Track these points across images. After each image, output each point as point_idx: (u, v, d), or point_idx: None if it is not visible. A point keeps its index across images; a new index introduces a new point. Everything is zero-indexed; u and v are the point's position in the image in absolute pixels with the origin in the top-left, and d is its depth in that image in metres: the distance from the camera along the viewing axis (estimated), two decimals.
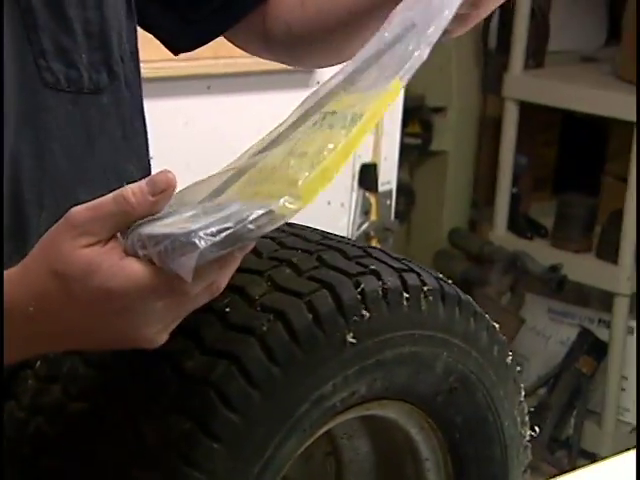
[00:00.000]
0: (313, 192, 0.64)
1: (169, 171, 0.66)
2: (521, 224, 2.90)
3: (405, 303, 0.79)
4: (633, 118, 2.62)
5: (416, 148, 2.90)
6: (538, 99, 2.82)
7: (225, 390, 0.72)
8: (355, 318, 0.76)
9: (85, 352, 0.77)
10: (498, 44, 2.97)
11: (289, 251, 0.80)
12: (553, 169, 3.15)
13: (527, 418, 0.88)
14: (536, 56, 2.90)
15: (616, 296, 2.68)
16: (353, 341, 0.76)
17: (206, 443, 0.72)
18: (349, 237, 1.92)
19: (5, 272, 0.69)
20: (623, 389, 2.77)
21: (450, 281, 0.84)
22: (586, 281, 2.75)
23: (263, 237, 0.83)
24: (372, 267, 0.79)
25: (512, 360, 0.86)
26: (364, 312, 0.76)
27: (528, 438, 0.88)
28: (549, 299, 2.85)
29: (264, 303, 0.76)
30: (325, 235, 0.85)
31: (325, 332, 0.75)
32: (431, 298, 0.80)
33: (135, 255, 0.65)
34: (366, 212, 1.91)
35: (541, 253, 2.78)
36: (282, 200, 0.64)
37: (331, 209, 1.88)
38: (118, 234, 0.66)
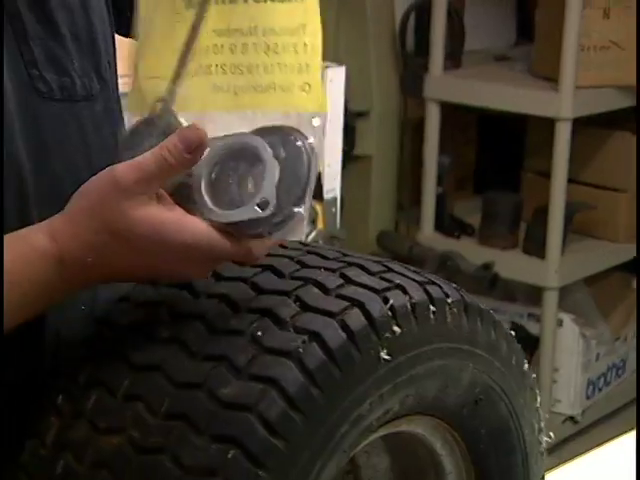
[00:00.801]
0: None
1: (198, 127, 0.71)
2: (448, 224, 2.93)
3: (432, 316, 0.79)
4: (549, 114, 2.68)
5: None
6: (459, 99, 2.86)
7: (266, 415, 0.71)
8: (387, 334, 0.76)
9: (110, 383, 0.75)
10: (416, 46, 3.00)
11: (312, 270, 0.80)
12: (473, 167, 3.20)
13: (543, 424, 0.89)
14: (454, 57, 2.94)
15: (545, 290, 2.74)
16: (387, 358, 0.75)
17: (251, 471, 0.70)
18: None
19: (43, 223, 0.73)
20: (555, 381, 2.83)
21: None
22: (515, 277, 2.80)
23: (281, 256, 0.83)
24: (397, 282, 0.79)
25: (528, 367, 0.87)
26: (395, 328, 0.76)
27: (544, 445, 0.89)
28: (479, 296, 2.89)
29: (296, 324, 0.75)
30: (341, 252, 0.84)
31: (360, 350, 0.74)
32: (455, 310, 0.80)
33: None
34: (313, 221, 1.91)
35: (469, 251, 2.82)
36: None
37: None
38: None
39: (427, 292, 0.79)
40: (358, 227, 2.99)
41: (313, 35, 0.73)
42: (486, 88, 2.82)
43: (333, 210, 1.94)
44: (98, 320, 0.80)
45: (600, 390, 2.92)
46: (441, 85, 2.86)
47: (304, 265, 0.80)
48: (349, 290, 0.77)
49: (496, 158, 3.17)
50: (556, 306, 2.75)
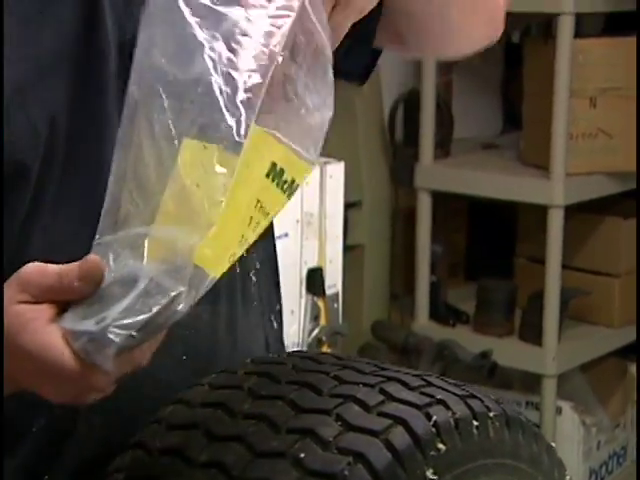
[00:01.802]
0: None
1: (94, 257, 0.67)
2: (442, 312, 2.92)
3: (475, 432, 0.77)
4: (541, 201, 2.70)
5: None
6: (449, 188, 2.88)
7: None
8: (432, 452, 0.74)
9: None
10: (405, 137, 3.03)
11: (350, 386, 0.78)
12: (465, 254, 3.21)
13: None
14: (443, 146, 2.97)
15: (543, 377, 2.72)
16: (433, 477, 0.73)
17: None
18: (301, 344, 1.89)
19: None
20: None
21: None
22: (512, 364, 2.78)
23: (316, 372, 0.81)
24: (438, 397, 0.77)
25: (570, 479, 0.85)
26: (440, 445, 0.74)
27: None
28: (476, 385, 2.87)
29: (340, 444, 0.73)
30: (378, 365, 0.82)
31: (406, 470, 0.72)
32: (497, 424, 0.79)
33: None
34: (315, 317, 1.89)
35: (465, 339, 2.80)
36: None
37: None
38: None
39: (469, 406, 0.77)
40: (352, 317, 2.97)
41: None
42: (476, 176, 2.84)
43: (335, 306, 1.93)
44: (132, 444, 0.78)
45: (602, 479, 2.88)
46: (431, 174, 2.88)
47: (342, 381, 0.79)
48: (391, 407, 0.75)
49: (487, 244, 3.17)
50: (555, 394, 2.72)
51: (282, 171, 0.70)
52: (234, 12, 0.71)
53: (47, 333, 0.67)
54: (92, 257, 0.67)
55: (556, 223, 2.65)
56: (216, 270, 0.67)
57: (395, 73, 3.04)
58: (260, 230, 0.70)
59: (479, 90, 3.22)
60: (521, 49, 3.01)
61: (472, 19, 0.94)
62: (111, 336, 0.64)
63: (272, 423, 0.75)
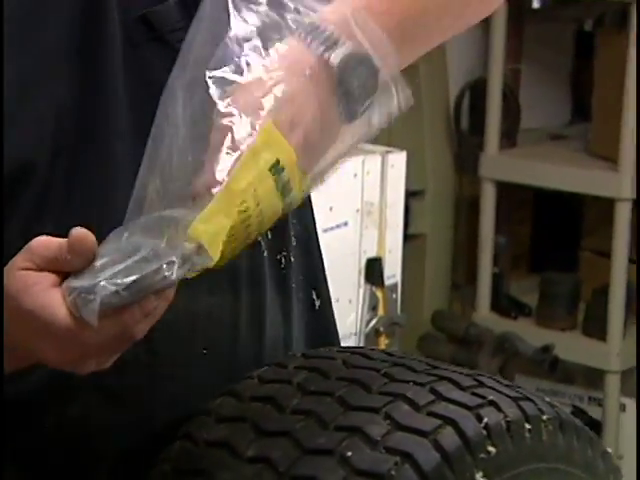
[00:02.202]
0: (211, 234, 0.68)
1: (82, 229, 0.70)
2: (504, 304, 2.89)
3: (527, 435, 0.75)
4: (609, 194, 2.65)
5: None
6: (514, 178, 2.84)
7: None
8: (482, 455, 0.72)
9: None
10: (470, 125, 2.99)
11: (400, 384, 0.77)
12: (529, 246, 3.17)
13: None
14: (509, 136, 2.93)
15: (606, 373, 2.68)
16: None
17: None
18: (358, 334, 1.88)
19: None
20: None
21: None
22: (574, 359, 2.74)
23: (366, 368, 0.80)
24: (490, 398, 0.76)
25: None
26: (490, 448, 0.73)
27: None
28: (538, 379, 2.84)
29: (387, 444, 0.72)
30: (429, 363, 0.81)
31: (454, 472, 0.71)
32: (550, 427, 0.77)
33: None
34: (373, 307, 1.88)
35: (527, 332, 2.77)
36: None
37: (339, 306, 1.83)
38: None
39: (521, 409, 0.76)
40: (412, 306, 2.96)
41: None
42: (543, 167, 2.80)
43: (394, 296, 1.91)
44: (180, 435, 0.78)
45: None
46: (496, 164, 2.84)
47: (392, 379, 0.78)
48: (440, 407, 0.74)
49: (552, 236, 3.13)
50: (618, 390, 2.68)
51: (282, 169, 0.71)
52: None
53: (47, 295, 0.70)
54: (79, 230, 0.70)
55: (623, 216, 2.60)
56: (211, 246, 0.69)
57: (462, 61, 3.00)
58: (247, 218, 0.70)
59: (548, 79, 3.17)
60: (593, 38, 2.95)
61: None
62: (97, 290, 0.68)
63: (320, 420, 0.74)
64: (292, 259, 0.92)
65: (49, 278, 0.71)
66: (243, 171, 0.70)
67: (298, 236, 0.94)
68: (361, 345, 1.81)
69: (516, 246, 3.11)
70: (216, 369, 0.83)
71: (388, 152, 1.89)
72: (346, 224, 1.80)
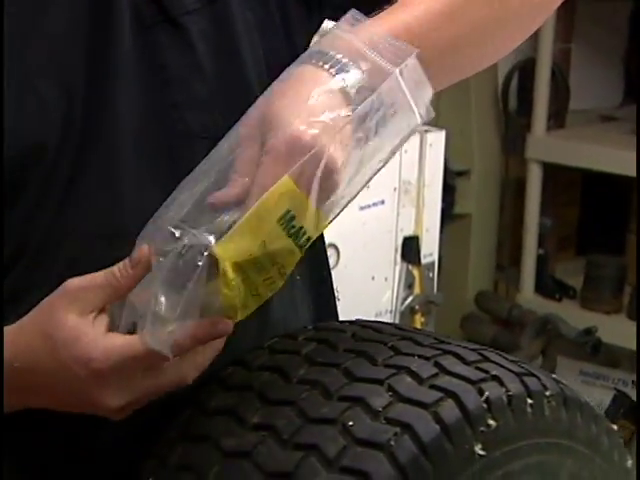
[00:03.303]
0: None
1: (144, 245, 0.73)
2: (549, 286, 2.88)
3: (529, 410, 0.76)
4: None
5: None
6: (561, 160, 2.81)
7: None
8: (482, 428, 0.73)
9: (199, 468, 0.75)
10: (518, 106, 2.97)
11: (405, 357, 0.78)
12: (576, 229, 3.14)
13: None
14: (557, 117, 2.90)
15: None
16: (482, 452, 0.73)
17: None
18: (393, 311, 1.90)
19: (5, 328, 0.75)
20: None
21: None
22: (618, 342, 2.72)
23: (374, 341, 0.81)
24: (493, 373, 0.77)
25: (632, 464, 0.83)
26: (491, 421, 0.74)
27: None
28: (581, 362, 2.82)
29: (388, 415, 0.73)
30: (437, 338, 0.82)
31: (454, 444, 0.72)
32: (554, 403, 0.77)
33: (121, 329, 0.73)
34: (409, 285, 1.89)
35: (571, 315, 2.75)
36: None
37: (375, 284, 1.85)
38: (108, 306, 0.74)
39: (524, 384, 0.77)
40: (456, 286, 2.96)
41: None
42: (591, 149, 2.77)
43: (430, 275, 1.92)
44: (190, 402, 0.80)
45: None
46: (544, 145, 2.82)
47: (398, 352, 0.79)
48: (443, 380, 0.75)
49: (600, 219, 3.10)
50: None
51: (293, 217, 0.72)
52: None
53: (108, 337, 0.72)
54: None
55: None
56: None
57: None
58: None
59: (599, 60, 3.13)
60: None
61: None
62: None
63: (325, 390, 0.76)
64: None
65: (103, 323, 0.73)
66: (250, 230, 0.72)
67: None
68: (396, 322, 1.82)
69: (563, 228, 3.09)
70: (220, 357, 0.81)
71: (427, 131, 1.89)
72: (383, 202, 1.81)
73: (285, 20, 0.87)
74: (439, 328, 2.59)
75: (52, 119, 0.78)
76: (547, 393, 0.77)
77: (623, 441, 2.13)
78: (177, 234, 0.71)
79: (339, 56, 0.73)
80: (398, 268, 1.87)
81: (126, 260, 0.73)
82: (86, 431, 0.80)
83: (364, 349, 0.79)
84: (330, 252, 1.63)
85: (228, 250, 0.71)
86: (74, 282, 0.74)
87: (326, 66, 0.73)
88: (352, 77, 0.73)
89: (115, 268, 0.73)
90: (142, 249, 0.73)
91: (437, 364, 0.77)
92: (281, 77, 0.75)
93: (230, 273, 0.71)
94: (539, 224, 2.86)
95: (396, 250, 1.87)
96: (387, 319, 1.86)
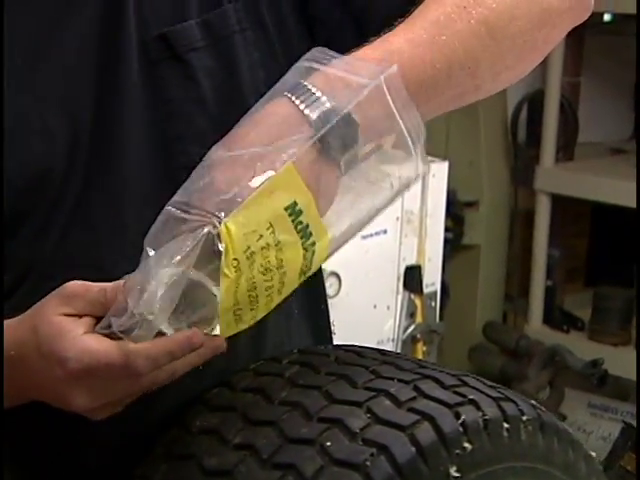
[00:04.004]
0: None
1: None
2: (557, 317, 2.88)
3: (505, 434, 0.77)
4: None
5: (447, 242, 2.90)
6: (569, 192, 2.83)
7: None
8: (457, 450, 0.75)
9: None
10: (527, 138, 2.99)
11: (385, 381, 0.80)
12: (585, 260, 3.15)
13: None
14: (566, 149, 2.92)
15: None
16: (457, 475, 0.74)
17: None
18: (395, 340, 1.91)
19: (7, 321, 0.78)
20: None
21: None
22: (626, 375, 2.72)
23: (356, 365, 0.83)
24: (470, 397, 0.78)
25: None
26: (466, 444, 0.75)
27: None
28: (589, 393, 2.82)
29: (365, 436, 0.75)
30: (418, 363, 0.84)
31: (429, 466, 0.74)
32: (530, 428, 0.79)
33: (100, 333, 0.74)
34: (411, 314, 1.90)
35: (578, 346, 2.75)
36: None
37: (377, 312, 1.87)
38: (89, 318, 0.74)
39: (501, 408, 0.78)
40: (464, 317, 2.97)
41: None
42: (599, 181, 2.78)
43: (432, 304, 1.93)
44: (176, 422, 0.82)
45: None
46: (552, 177, 2.84)
47: (378, 375, 0.80)
48: (421, 403, 0.77)
49: (609, 251, 3.11)
50: None
51: (300, 212, 0.73)
52: None
53: (88, 340, 0.73)
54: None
55: None
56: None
57: None
58: (267, 264, 0.73)
59: (609, 93, 3.15)
60: None
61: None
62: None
63: (305, 411, 0.77)
64: None
65: (87, 324, 0.74)
66: (256, 206, 0.71)
67: None
68: (396, 351, 1.84)
69: (572, 260, 3.10)
70: (211, 382, 0.83)
71: (430, 161, 1.91)
72: (385, 232, 1.83)
73: (291, 57, 0.89)
74: (446, 358, 2.60)
75: (59, 149, 0.81)
76: (524, 418, 0.79)
77: (626, 471, 2.12)
78: (182, 215, 0.71)
79: (311, 88, 0.75)
80: (400, 297, 1.89)
81: (121, 282, 0.74)
82: (70, 450, 0.82)
83: (345, 372, 0.81)
84: (332, 280, 1.65)
85: (236, 222, 0.70)
86: (72, 286, 0.75)
87: (296, 99, 0.75)
88: (319, 104, 0.74)
89: (109, 287, 0.74)
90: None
91: (416, 388, 0.79)
92: (251, 111, 0.77)
93: (233, 250, 0.70)
94: (548, 255, 2.87)
95: (398, 279, 1.89)
96: (389, 347, 1.87)
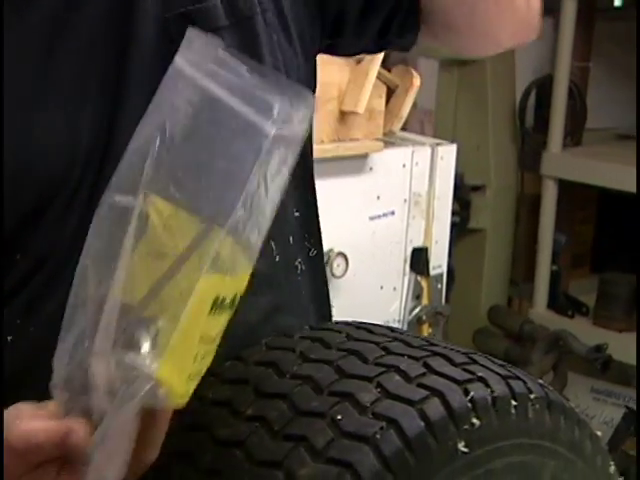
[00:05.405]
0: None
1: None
2: (561, 302, 2.89)
3: (513, 411, 0.79)
4: None
5: (454, 226, 2.91)
6: (576, 177, 2.83)
7: None
8: (466, 426, 0.76)
9: (193, 456, 0.78)
10: (535, 123, 3.00)
11: (396, 357, 0.81)
12: (591, 246, 3.16)
13: None
14: (574, 135, 2.92)
15: None
16: (465, 450, 0.76)
17: None
18: (401, 321, 1.92)
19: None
20: None
21: None
22: (630, 360, 2.73)
23: (367, 341, 0.84)
24: (479, 374, 0.79)
25: (615, 469, 0.85)
26: (474, 420, 0.77)
27: None
28: (592, 378, 2.83)
29: (376, 410, 0.76)
30: (427, 340, 0.85)
31: (437, 440, 0.75)
32: (537, 406, 0.80)
33: None
34: (417, 296, 1.91)
35: (583, 332, 2.76)
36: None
37: (383, 293, 1.88)
38: None
39: (509, 386, 0.79)
40: (469, 300, 2.98)
41: None
42: (607, 167, 2.79)
43: (439, 286, 1.94)
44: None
45: None
46: (559, 162, 2.84)
47: (389, 352, 0.82)
48: (430, 379, 0.78)
49: (615, 237, 3.11)
50: None
51: (223, 299, 0.68)
52: None
53: (28, 421, 0.67)
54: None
55: None
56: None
57: (530, 58, 3.00)
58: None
59: (617, 79, 3.15)
60: None
61: (498, 22, 0.94)
62: None
63: (316, 385, 0.79)
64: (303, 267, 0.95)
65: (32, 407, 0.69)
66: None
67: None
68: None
69: (578, 245, 3.10)
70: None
71: (438, 144, 1.92)
72: (393, 213, 1.84)
73: (303, 41, 0.90)
74: (451, 341, 2.60)
75: (83, 140, 0.81)
76: (531, 396, 0.80)
77: (628, 455, 2.14)
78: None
79: None
80: (407, 278, 1.90)
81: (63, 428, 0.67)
82: None
83: (356, 348, 0.82)
84: (339, 261, 1.66)
85: (170, 371, 0.66)
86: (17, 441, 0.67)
87: None
88: None
89: (73, 431, 0.67)
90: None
91: (425, 364, 0.80)
92: None
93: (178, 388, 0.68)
94: (553, 240, 2.88)
95: (405, 261, 1.90)
96: None
